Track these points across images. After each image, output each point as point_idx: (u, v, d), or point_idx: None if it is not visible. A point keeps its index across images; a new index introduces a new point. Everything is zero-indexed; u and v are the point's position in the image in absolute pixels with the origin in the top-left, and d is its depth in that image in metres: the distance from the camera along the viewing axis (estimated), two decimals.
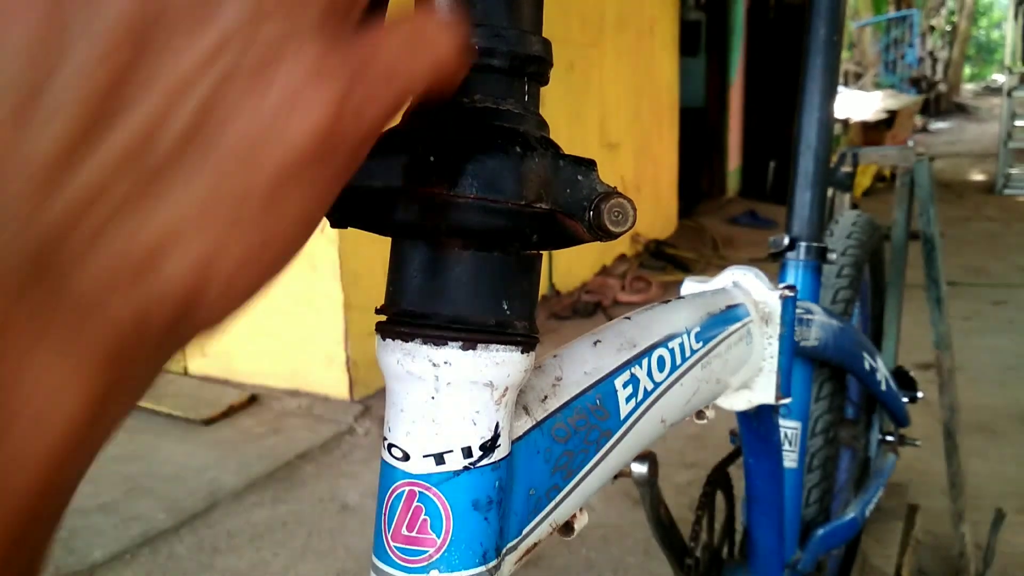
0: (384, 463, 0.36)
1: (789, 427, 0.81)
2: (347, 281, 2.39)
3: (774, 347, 0.65)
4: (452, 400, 0.34)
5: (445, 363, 0.33)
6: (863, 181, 5.78)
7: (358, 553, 1.75)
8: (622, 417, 0.46)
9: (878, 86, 9.59)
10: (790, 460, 0.81)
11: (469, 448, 0.35)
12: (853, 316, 1.06)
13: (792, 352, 0.64)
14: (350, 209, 0.32)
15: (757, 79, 6.02)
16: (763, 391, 0.65)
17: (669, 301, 0.58)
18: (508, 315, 0.34)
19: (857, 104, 6.63)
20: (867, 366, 0.87)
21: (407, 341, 0.34)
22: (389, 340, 0.34)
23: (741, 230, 5.00)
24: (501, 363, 0.34)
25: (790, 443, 0.81)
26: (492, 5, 0.32)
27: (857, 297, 1.04)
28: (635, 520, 1.72)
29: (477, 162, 0.31)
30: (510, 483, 0.37)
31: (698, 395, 0.56)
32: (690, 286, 0.66)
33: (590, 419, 0.43)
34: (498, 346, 0.34)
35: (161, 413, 2.41)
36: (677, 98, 4.94)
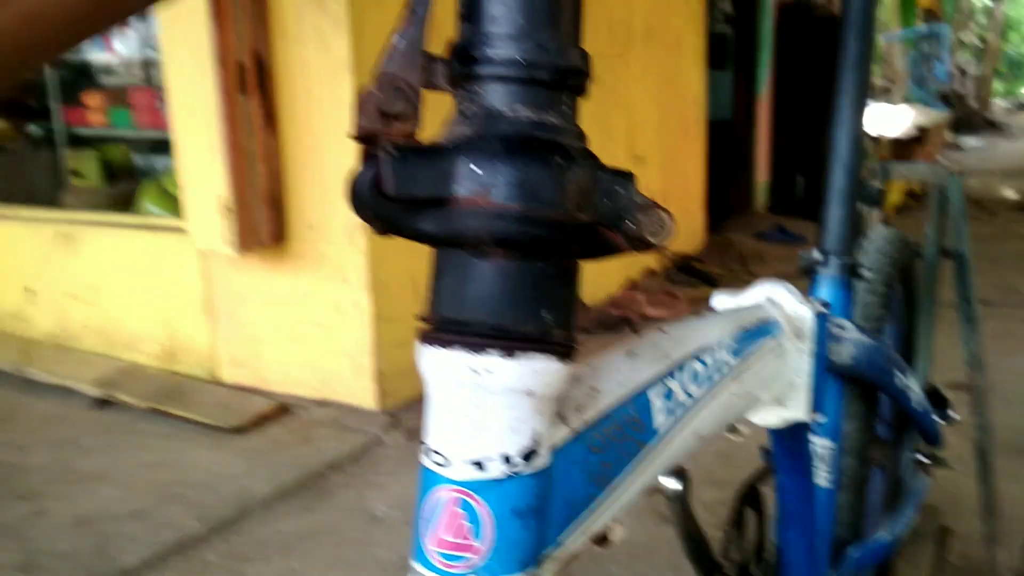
0: (424, 468, 0.36)
1: (821, 445, 0.81)
2: (376, 292, 2.41)
3: (807, 363, 0.65)
4: (492, 407, 0.35)
5: (486, 370, 0.34)
6: (894, 197, 5.72)
7: (386, 564, 1.75)
8: (657, 429, 0.46)
9: (907, 101, 9.50)
10: (822, 478, 0.81)
11: (509, 455, 0.35)
12: (884, 333, 1.06)
13: (825, 368, 0.64)
14: (394, 218, 0.33)
15: (786, 92, 5.99)
16: (795, 407, 0.65)
17: (702, 314, 0.59)
18: (548, 324, 0.34)
19: (886, 119, 6.58)
20: (899, 384, 0.86)
21: (448, 348, 0.34)
22: (430, 347, 0.35)
23: (770, 245, 4.96)
24: (540, 371, 0.34)
25: (822, 461, 0.80)
26: (533, 18, 0.33)
27: (889, 314, 1.04)
28: (663, 537, 1.71)
29: (520, 173, 0.32)
30: (549, 492, 0.37)
31: (732, 409, 0.56)
32: (721, 300, 0.66)
33: (626, 430, 0.44)
34: (538, 354, 0.34)
35: (192, 421, 2.44)
36: (704, 111, 4.92)
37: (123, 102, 3.26)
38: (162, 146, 3.56)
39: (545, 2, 0.33)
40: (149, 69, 3.22)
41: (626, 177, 0.35)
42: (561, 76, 0.34)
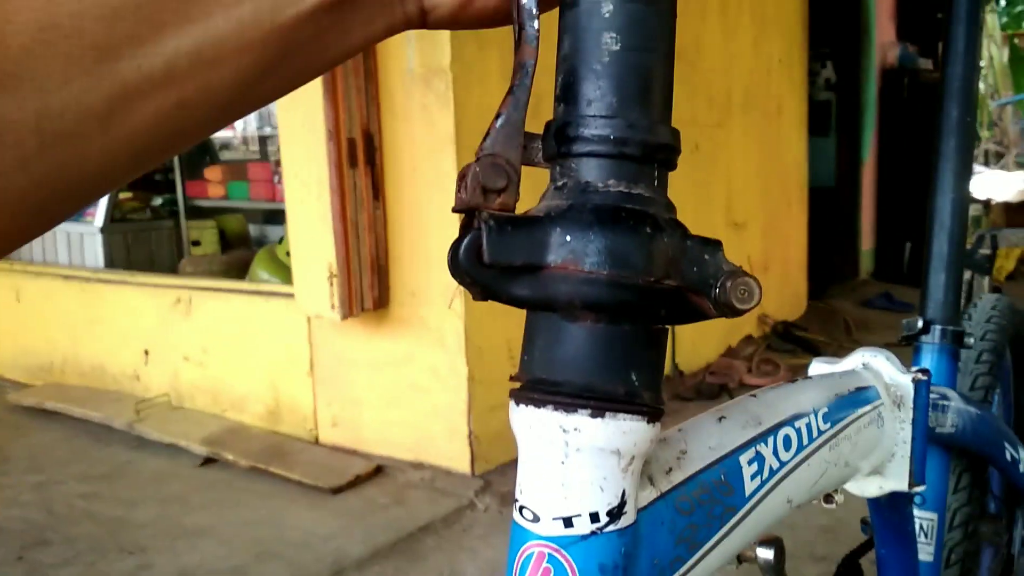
0: (515, 524, 0.38)
1: (925, 518, 0.78)
2: (472, 355, 2.44)
3: (907, 432, 0.63)
4: (581, 466, 0.36)
5: (575, 429, 0.35)
6: (1007, 264, 5.46)
7: None
8: (747, 494, 0.46)
9: (1021, 166, 9.12)
10: (926, 553, 0.78)
11: (596, 513, 0.36)
12: (994, 404, 1.01)
13: (926, 438, 0.62)
14: (491, 284, 0.35)
15: (891, 158, 5.85)
16: (895, 477, 0.63)
17: (796, 380, 0.58)
18: (636, 386, 0.36)
19: (999, 184, 6.33)
20: (1009, 457, 0.83)
21: (539, 407, 0.36)
22: (522, 406, 0.36)
23: (875, 313, 4.80)
24: (628, 432, 0.36)
25: (926, 535, 0.77)
26: (625, 99, 0.35)
27: (998, 384, 1.00)
28: None
29: (610, 241, 0.34)
30: (635, 551, 0.38)
31: (826, 477, 0.55)
32: (818, 367, 0.66)
33: (714, 494, 0.44)
34: (625, 415, 0.35)
35: (292, 480, 2.51)
36: (806, 177, 4.86)
37: (241, 176, 3.46)
38: (275, 216, 3.76)
39: (636, 84, 0.35)
40: (266, 144, 3.42)
41: (714, 245, 0.37)
42: (650, 151, 0.36)
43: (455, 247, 0.34)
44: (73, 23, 0.28)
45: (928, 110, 5.25)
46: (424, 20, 0.37)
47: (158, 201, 3.83)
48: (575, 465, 0.36)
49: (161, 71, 0.30)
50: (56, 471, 2.70)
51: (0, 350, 3.79)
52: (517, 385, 0.37)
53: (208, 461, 2.71)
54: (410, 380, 2.57)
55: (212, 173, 3.54)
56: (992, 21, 10.01)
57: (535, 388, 0.36)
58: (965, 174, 0.92)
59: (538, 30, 0.36)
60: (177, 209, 3.76)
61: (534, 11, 0.36)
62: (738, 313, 0.36)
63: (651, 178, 0.36)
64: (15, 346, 3.72)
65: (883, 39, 5.88)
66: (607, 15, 0.35)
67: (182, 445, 2.78)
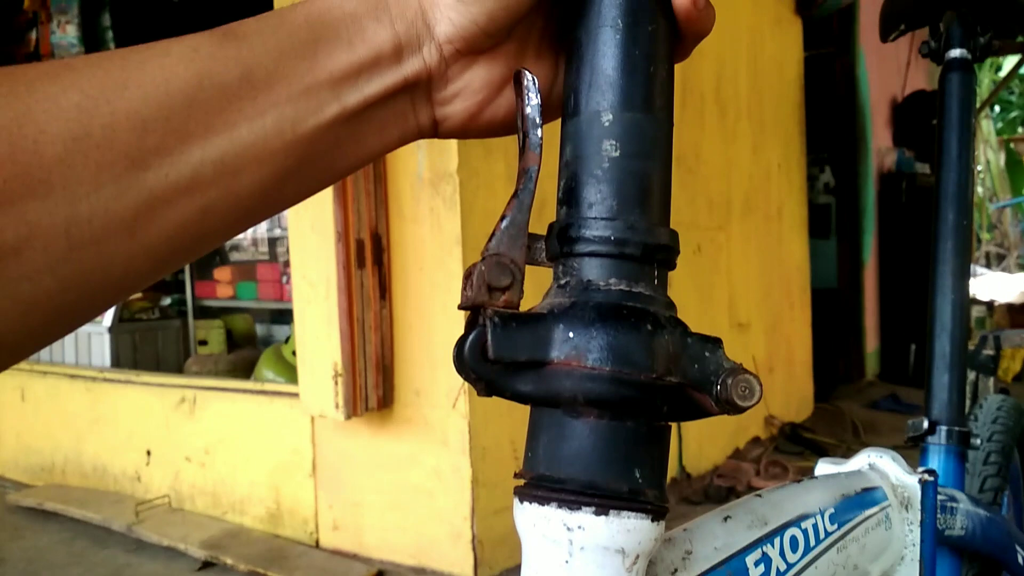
0: None
1: None
2: (475, 456, 2.42)
3: (915, 534, 0.62)
4: (585, 564, 0.36)
5: (579, 527, 0.35)
6: (1013, 366, 5.43)
7: None
8: None
9: (1022, 267, 9.19)
10: None
11: None
12: (1003, 506, 1.00)
13: (935, 540, 0.62)
14: (495, 379, 0.36)
15: (892, 260, 5.91)
16: None
17: (801, 480, 0.58)
18: (639, 483, 0.36)
19: (1001, 286, 6.36)
20: (1021, 560, 0.81)
21: (543, 504, 0.36)
22: (526, 503, 0.36)
23: (882, 415, 4.75)
24: (632, 530, 0.35)
25: None
26: (624, 203, 0.37)
27: (1007, 486, 0.98)
28: None
29: (611, 338, 0.35)
30: None
31: None
32: (824, 467, 0.66)
33: None
34: (629, 513, 0.35)
35: None
36: (808, 279, 4.89)
37: (250, 276, 3.50)
38: (283, 316, 3.78)
39: (635, 188, 0.37)
40: (275, 246, 3.48)
41: (714, 342, 0.37)
42: (650, 251, 0.37)
43: (460, 343, 0.35)
44: (105, 134, 0.29)
45: (926, 213, 5.33)
46: (436, 130, 0.39)
47: (167, 301, 3.87)
48: (579, 564, 0.35)
49: (187, 180, 0.31)
50: (53, 574, 2.63)
51: (3, 450, 3.75)
52: (521, 482, 0.37)
53: (207, 565, 2.65)
54: (413, 482, 2.53)
55: (221, 273, 3.58)
56: (987, 127, 10.26)
57: (539, 485, 0.36)
58: (964, 275, 0.94)
59: (541, 138, 0.38)
60: (185, 309, 3.79)
61: (538, 120, 0.38)
62: (740, 410, 0.37)
63: (651, 277, 0.37)
64: (18, 446, 3.68)
65: (880, 144, 6.03)
66: (607, 124, 0.37)
67: (181, 548, 2.72)
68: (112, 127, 0.29)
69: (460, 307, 0.37)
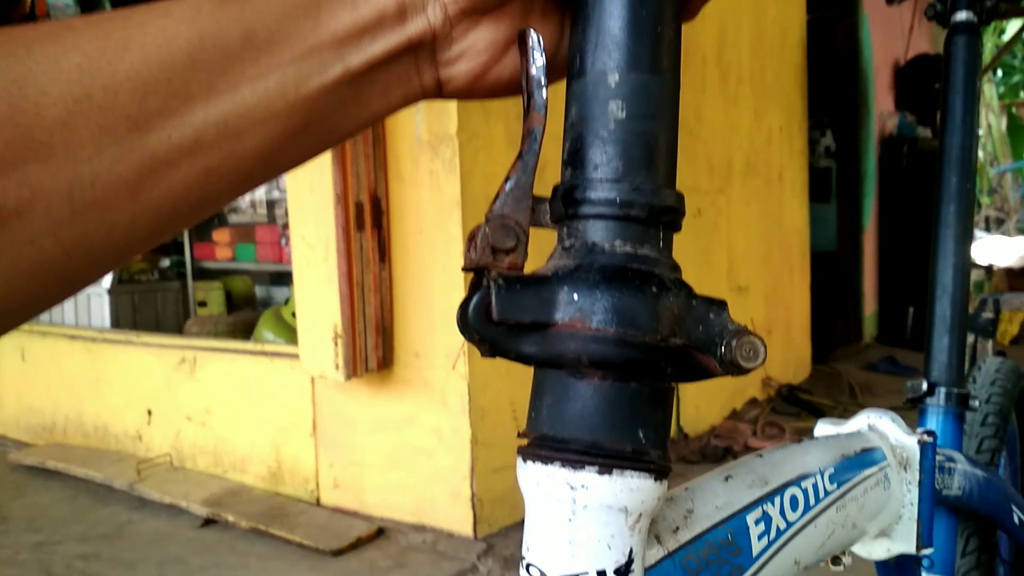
0: None
1: None
2: (475, 416, 2.43)
3: (913, 494, 0.63)
4: (588, 523, 0.36)
5: (582, 486, 0.35)
6: (1011, 328, 5.46)
7: None
8: (754, 554, 0.46)
9: (1022, 232, 9.19)
10: None
11: (604, 571, 0.36)
12: (1000, 467, 1.01)
13: (933, 500, 0.62)
14: (499, 341, 0.36)
15: (892, 224, 5.90)
16: (903, 540, 0.63)
17: (801, 440, 0.59)
18: (643, 443, 0.36)
19: (1001, 250, 6.36)
20: (1017, 520, 0.82)
21: (547, 464, 0.36)
22: (530, 463, 0.37)
23: (880, 377, 4.78)
24: (635, 489, 0.36)
25: None
26: (630, 164, 0.36)
27: (1004, 447, 0.99)
28: None
29: (616, 300, 0.35)
30: None
31: (833, 539, 0.55)
32: (823, 428, 0.66)
33: (721, 553, 0.44)
34: (633, 472, 0.35)
35: (292, 542, 2.47)
36: (808, 243, 4.89)
37: (249, 238, 3.49)
38: (281, 278, 3.79)
39: (641, 150, 0.37)
40: (274, 208, 3.47)
41: (719, 305, 0.37)
42: (656, 214, 0.37)
43: (464, 305, 0.35)
44: (107, 96, 0.29)
45: (927, 177, 5.32)
46: (440, 91, 0.39)
47: (166, 262, 3.87)
48: (582, 522, 0.36)
49: (190, 141, 0.31)
50: (55, 531, 2.66)
51: (4, 410, 3.78)
52: (524, 442, 0.37)
53: (208, 522, 2.68)
54: (413, 442, 2.55)
55: (220, 235, 3.58)
56: (989, 91, 10.19)
57: (543, 445, 0.36)
58: (966, 239, 0.94)
59: (546, 99, 0.38)
60: (184, 271, 3.79)
61: (543, 81, 0.37)
62: (744, 371, 0.37)
63: (656, 239, 0.37)
64: (19, 406, 3.71)
65: (882, 108, 5.98)
66: (613, 84, 0.36)
67: (182, 506, 2.75)
68: (114, 89, 0.29)
69: (464, 269, 0.37)
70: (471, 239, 0.37)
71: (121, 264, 0.33)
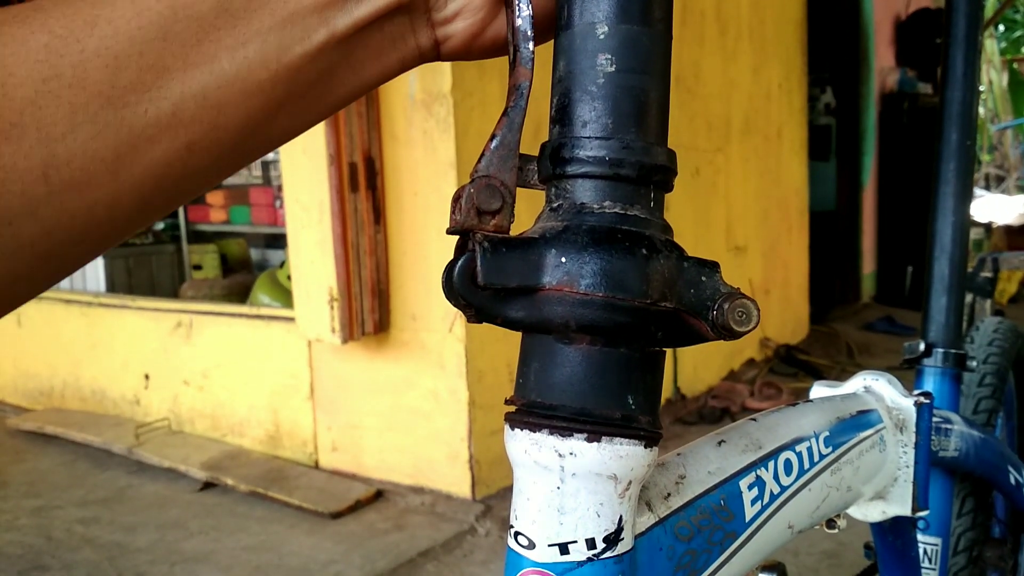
0: (510, 550, 0.37)
1: (928, 543, 0.77)
2: (472, 379, 2.44)
3: (909, 456, 0.63)
4: (577, 491, 0.35)
5: (571, 454, 0.35)
6: (1009, 288, 5.46)
7: None
8: (747, 519, 0.46)
9: (1022, 189, 9.16)
10: None
11: (593, 540, 0.35)
12: (997, 428, 1.01)
13: (929, 462, 0.62)
14: (485, 306, 0.35)
15: (891, 183, 5.87)
16: (898, 502, 0.62)
17: (796, 404, 0.58)
18: (632, 410, 0.35)
19: (1000, 208, 6.34)
20: (1013, 481, 0.82)
21: (535, 431, 0.35)
22: (517, 430, 0.36)
23: (878, 336, 4.80)
24: (625, 456, 0.35)
25: (930, 560, 0.76)
26: (620, 121, 0.35)
27: (1001, 408, 0.99)
28: None
29: (605, 263, 0.33)
30: None
31: (828, 502, 0.55)
32: (819, 390, 0.65)
33: (714, 519, 0.43)
34: (622, 439, 0.35)
35: (291, 505, 2.49)
36: (806, 202, 4.87)
37: (243, 200, 3.47)
38: (277, 240, 3.77)
39: (631, 106, 0.35)
40: (268, 170, 3.44)
41: (711, 267, 0.36)
42: (646, 173, 0.35)
43: (449, 268, 0.34)
44: (76, 73, 0.29)
45: (928, 134, 5.28)
46: (438, 52, 0.38)
47: (160, 225, 3.84)
48: (571, 490, 0.35)
49: (168, 116, 0.30)
50: (55, 496, 2.68)
51: (1, 375, 3.78)
52: (512, 409, 0.37)
53: (207, 486, 2.69)
54: (410, 404, 2.56)
55: (214, 198, 3.55)
56: (991, 46, 10.08)
57: (530, 412, 0.35)
58: (966, 197, 0.92)
59: (533, 52, 0.36)
60: (179, 233, 3.77)
61: (529, 33, 0.36)
62: (736, 336, 0.36)
63: (647, 199, 0.36)
64: (15, 371, 3.71)
65: (882, 64, 5.92)
66: (602, 37, 0.35)
67: (181, 470, 2.77)
68: (83, 65, 0.29)
69: (449, 231, 0.35)
70: (456, 200, 0.35)
71: (110, 245, 0.33)
